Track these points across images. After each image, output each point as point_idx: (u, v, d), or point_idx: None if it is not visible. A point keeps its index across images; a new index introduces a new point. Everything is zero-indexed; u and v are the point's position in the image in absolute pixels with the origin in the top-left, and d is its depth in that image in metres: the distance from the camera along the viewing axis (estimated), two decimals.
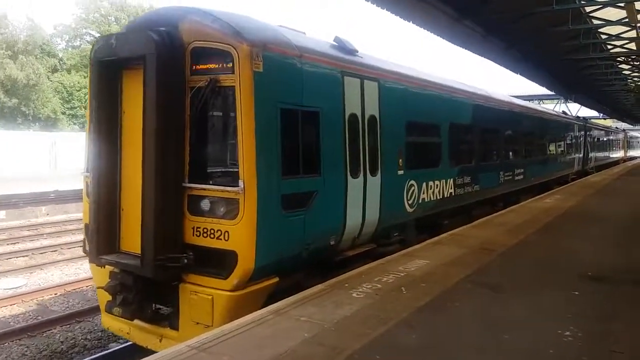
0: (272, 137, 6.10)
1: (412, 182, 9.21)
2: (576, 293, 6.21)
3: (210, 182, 6.13)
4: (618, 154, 48.12)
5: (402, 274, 6.87)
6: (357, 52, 8.27)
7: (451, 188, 10.90)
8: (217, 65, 5.96)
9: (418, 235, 9.80)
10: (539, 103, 33.24)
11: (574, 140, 25.62)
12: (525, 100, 24.42)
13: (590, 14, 18.23)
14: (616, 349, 4.56)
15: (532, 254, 8.39)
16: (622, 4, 14.77)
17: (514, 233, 10.00)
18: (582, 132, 27.98)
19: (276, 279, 6.27)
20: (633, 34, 19.18)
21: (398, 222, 9.11)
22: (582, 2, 15.94)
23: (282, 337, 4.67)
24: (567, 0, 15.54)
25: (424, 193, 9.66)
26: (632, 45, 20.99)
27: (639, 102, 22.09)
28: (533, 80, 27.25)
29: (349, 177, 7.42)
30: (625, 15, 14.95)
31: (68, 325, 9.01)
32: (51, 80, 52.49)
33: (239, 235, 5.77)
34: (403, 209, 9.06)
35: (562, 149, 23.54)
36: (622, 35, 20.99)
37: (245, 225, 5.76)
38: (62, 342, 8.41)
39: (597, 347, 4.60)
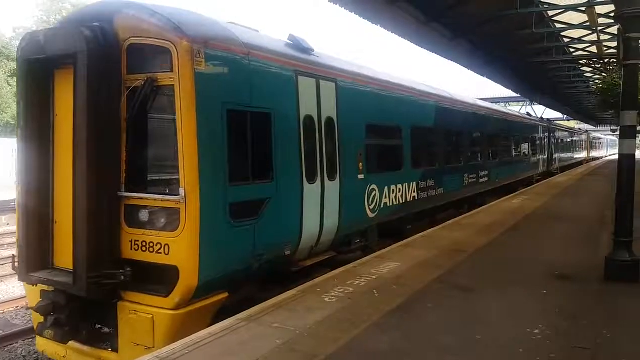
0: (217, 140, 5.67)
1: (374, 186, 8.90)
2: (544, 292, 6.31)
3: (149, 191, 5.62)
4: (581, 155, 48.56)
5: (373, 277, 6.87)
6: (313, 51, 7.89)
7: (414, 192, 10.62)
8: (155, 63, 5.52)
9: (381, 241, 9.52)
10: (505, 105, 33.73)
11: (538, 142, 25.52)
12: (492, 102, 24.49)
13: (553, 18, 18.68)
14: (582, 345, 4.64)
15: (501, 254, 8.50)
16: (583, 8, 15.17)
17: (483, 234, 10.13)
18: (546, 134, 27.96)
19: (225, 294, 5.86)
20: (594, 37, 19.73)
21: (359, 229, 8.80)
22: (545, 6, 16.34)
23: (254, 345, 4.60)
24: (531, 4, 15.91)
25: (386, 197, 9.36)
26: (594, 49, 21.56)
27: (601, 104, 22.64)
28: (499, 83, 27.73)
29: (305, 183, 7.07)
30: (587, 19, 15.34)
31: (31, 340, 8.71)
32: (11, 85, 51.00)
33: (180, 248, 5.31)
34: (364, 215, 8.73)
35: (527, 150, 23.29)
36: (584, 39, 21.57)
37: (186, 238, 5.30)
38: (24, 356, 8.14)
39: (565, 344, 4.67)
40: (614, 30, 16.17)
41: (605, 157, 70.11)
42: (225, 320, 5.26)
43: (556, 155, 31.70)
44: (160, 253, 5.37)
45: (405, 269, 7.32)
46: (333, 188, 7.72)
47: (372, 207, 8.88)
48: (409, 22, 15.26)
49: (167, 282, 5.34)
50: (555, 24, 19.32)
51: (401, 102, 10.43)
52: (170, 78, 5.42)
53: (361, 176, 8.55)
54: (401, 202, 10.02)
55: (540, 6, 16.24)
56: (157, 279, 5.41)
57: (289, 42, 7.64)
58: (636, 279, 6.68)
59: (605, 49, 19.79)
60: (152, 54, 5.54)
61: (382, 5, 13.65)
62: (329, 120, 7.74)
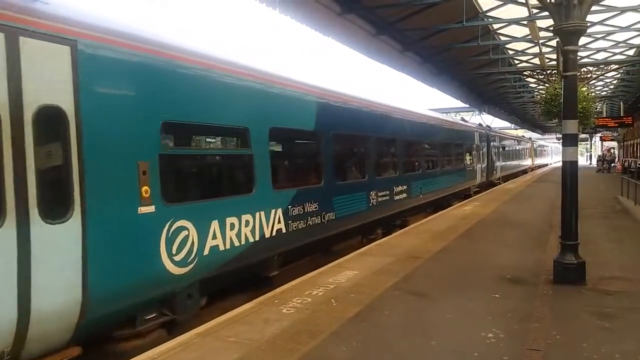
0: None
1: (184, 223, 5.67)
2: (496, 295, 6.48)
3: None
4: (526, 163, 47.14)
5: (332, 286, 6.88)
6: None
7: (279, 222, 7.46)
8: None
9: (206, 306, 6.48)
10: (455, 115, 34.27)
11: (475, 150, 22.80)
12: (443, 112, 24.18)
13: (498, 31, 19.47)
14: (534, 347, 4.78)
15: (454, 259, 8.69)
16: (525, 22, 15.85)
17: (437, 240, 10.33)
18: (485, 141, 25.42)
19: None
20: (537, 49, 20.64)
21: (151, 296, 5.44)
22: (490, 19, 16.98)
23: None
24: (476, 18, 16.52)
25: (215, 238, 6.13)
26: (537, 60, 22.54)
27: (546, 113, 23.51)
28: (448, 94, 28.56)
29: None
30: (529, 32, 16.02)
31: None
32: None
33: None
34: (161, 272, 5.39)
35: (461, 159, 20.40)
36: (527, 51, 22.56)
37: None
38: None
39: (517, 346, 4.80)
40: (554, 43, 16.93)
41: (550, 164, 70.30)
42: (182, 335, 5.15)
43: (498, 164, 29.52)
44: None
45: (363, 277, 7.37)
46: (61, 236, 4.41)
47: (180, 257, 5.62)
48: (359, 35, 15.56)
49: None
50: (500, 37, 20.14)
51: (248, 91, 7.06)
52: None
53: (148, 209, 5.23)
54: (251, 240, 6.78)
55: (485, 19, 16.88)
56: None
57: None
58: (582, 280, 6.97)
59: (547, 60, 20.72)
60: None
61: (333, 17, 13.87)
62: (49, 111, 4.41)
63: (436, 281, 7.22)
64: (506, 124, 56.00)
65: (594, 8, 11.68)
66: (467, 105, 36.94)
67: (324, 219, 8.88)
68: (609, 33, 19.39)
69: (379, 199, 11.40)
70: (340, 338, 5.01)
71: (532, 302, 6.22)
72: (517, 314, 5.72)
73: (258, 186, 7.04)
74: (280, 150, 8.55)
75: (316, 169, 9.25)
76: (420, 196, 14.42)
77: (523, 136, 52.79)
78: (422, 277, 7.46)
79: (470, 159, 21.87)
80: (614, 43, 21.16)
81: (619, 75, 28.05)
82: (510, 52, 22.87)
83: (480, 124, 28.44)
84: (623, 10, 16.22)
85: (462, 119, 24.34)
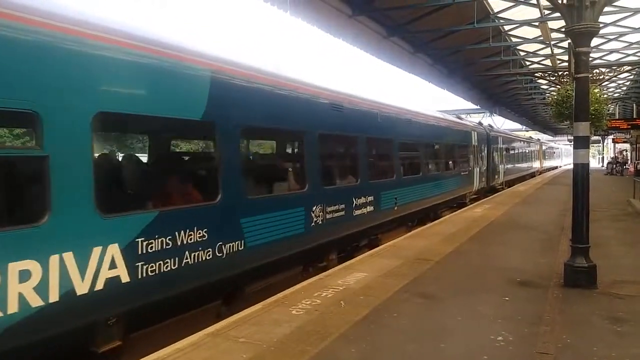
0: None
1: None
2: (506, 298, 6.46)
3: None
4: (534, 165, 44.04)
5: (341, 288, 6.89)
6: None
7: (113, 267, 4.71)
8: None
9: None
10: (466, 117, 33.87)
11: (471, 151, 20.00)
12: (453, 114, 23.03)
13: (509, 32, 19.39)
14: (544, 350, 4.76)
15: (464, 262, 8.66)
16: (536, 23, 15.78)
17: (447, 242, 10.31)
18: (485, 142, 22.82)
19: None
20: (548, 51, 20.53)
21: None
22: (501, 21, 16.92)
23: None
24: (487, 19, 16.47)
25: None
26: (548, 62, 22.42)
27: (557, 115, 23.31)
28: (459, 95, 28.50)
29: None
30: (540, 33, 15.95)
31: None
32: None
33: None
34: None
35: (452, 162, 17.37)
36: (538, 52, 22.44)
37: None
38: None
39: (528, 350, 4.78)
40: (566, 44, 16.84)
41: (561, 166, 68.13)
42: (192, 336, 5.19)
43: (500, 168, 26.59)
44: None
45: (372, 279, 7.38)
46: None
47: None
48: (370, 36, 15.60)
49: None
50: (511, 38, 20.06)
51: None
52: None
53: None
54: (42, 302, 4.07)
55: (497, 21, 16.83)
56: None
57: None
58: (593, 284, 6.92)
59: (558, 61, 20.62)
60: None
61: (344, 19, 13.91)
62: None
63: (446, 284, 7.21)
64: (517, 125, 55.73)
65: (606, 9, 11.59)
66: (478, 107, 36.81)
67: (221, 251, 5.99)
68: (622, 34, 19.25)
69: (329, 216, 8.57)
70: (350, 340, 5.02)
71: (543, 305, 6.19)
72: (527, 317, 5.70)
73: (59, 211, 4.23)
74: (124, 148, 6.91)
75: (207, 180, 6.53)
76: (395, 208, 11.63)
77: (531, 137, 50.54)
78: (432, 279, 7.45)
79: (465, 162, 19.03)
80: (626, 44, 21.00)
81: (632, 77, 27.81)
82: (522, 54, 22.79)
83: (480, 123, 25.99)
84: (636, 11, 16.08)
85: (458, 117, 21.04)
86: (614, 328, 5.40)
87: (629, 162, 46.54)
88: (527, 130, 60.55)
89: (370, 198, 10.22)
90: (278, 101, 7.47)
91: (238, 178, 6.49)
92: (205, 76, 5.99)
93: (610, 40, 20.11)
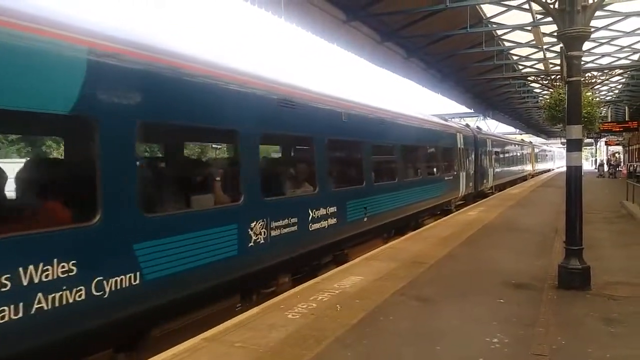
0: None
1: None
2: (501, 300, 6.49)
3: None
4: (526, 168, 42.92)
5: (337, 292, 6.91)
6: None
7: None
8: None
9: None
10: (460, 120, 33.81)
11: (457, 155, 18.64)
12: (446, 118, 22.68)
13: (502, 37, 19.53)
14: (539, 352, 4.79)
15: (459, 264, 8.70)
16: (529, 28, 15.91)
17: (442, 245, 10.34)
18: (473, 145, 21.55)
19: None
20: (541, 55, 20.69)
21: None
22: (493, 25, 17.05)
23: None
24: (479, 24, 16.59)
25: None
26: (541, 66, 22.58)
27: (550, 118, 23.43)
28: (452, 99, 28.65)
29: None
30: (533, 38, 16.07)
31: None
32: None
33: None
34: None
35: (434, 166, 16.05)
36: (531, 57, 22.61)
37: None
38: None
39: (522, 352, 4.81)
40: (558, 48, 16.97)
41: (553, 169, 67.59)
42: (188, 341, 5.18)
43: (490, 171, 25.32)
44: None
45: (368, 282, 7.40)
46: None
47: None
48: (364, 42, 15.67)
49: None
50: (504, 43, 20.20)
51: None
52: None
53: None
54: None
55: (489, 25, 16.95)
56: None
57: None
58: (587, 286, 6.97)
59: (551, 65, 20.77)
60: None
61: (338, 25, 13.97)
62: None
63: (441, 286, 7.23)
64: (511, 129, 55.99)
65: (597, 13, 11.71)
66: (472, 111, 36.99)
67: (101, 289, 4.44)
68: (613, 38, 19.42)
69: (275, 233, 7.03)
70: (346, 344, 5.04)
71: (537, 307, 6.22)
72: (522, 319, 5.73)
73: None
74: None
75: (79, 194, 4.75)
76: (365, 219, 10.16)
77: (523, 140, 49.55)
78: (428, 282, 7.48)
79: (450, 166, 17.70)
80: (618, 48, 21.18)
81: (623, 80, 28.05)
82: (515, 58, 22.95)
83: (467, 125, 24.74)
84: (627, 15, 16.24)
85: (443, 119, 19.54)
86: (607, 329, 5.44)
87: (622, 164, 46.85)
88: (521, 134, 60.79)
89: (333, 209, 8.71)
90: (198, 92, 5.89)
91: (130, 190, 4.90)
92: (77, 56, 4.45)
93: (602, 44, 20.28)
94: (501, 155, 29.81)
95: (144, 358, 4.91)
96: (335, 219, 8.78)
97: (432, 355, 4.77)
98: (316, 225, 8.21)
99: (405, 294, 6.82)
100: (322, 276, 7.96)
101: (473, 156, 21.46)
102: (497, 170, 27.72)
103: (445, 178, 16.92)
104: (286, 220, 7.34)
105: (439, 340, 5.10)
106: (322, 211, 8.39)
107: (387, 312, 6.04)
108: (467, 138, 20.64)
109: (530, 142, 52.00)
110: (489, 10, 16.04)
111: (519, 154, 38.38)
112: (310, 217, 8.04)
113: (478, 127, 26.67)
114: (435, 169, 16.03)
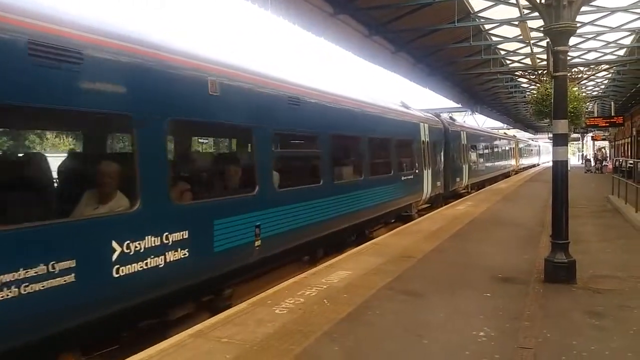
0: None
1: None
2: (488, 294, 6.52)
3: None
4: (507, 165, 39.24)
5: (324, 287, 6.89)
6: None
7: None
8: None
9: None
10: (449, 115, 33.37)
11: (421, 149, 15.67)
12: (434, 112, 21.95)
13: (490, 31, 19.58)
14: (525, 345, 4.82)
15: (447, 259, 8.73)
16: (516, 23, 15.96)
17: (430, 240, 10.37)
18: (443, 138, 18.75)
19: None
20: (528, 50, 20.77)
21: None
22: (481, 20, 17.08)
23: None
24: (467, 19, 16.61)
25: None
26: (528, 61, 22.68)
27: (537, 113, 23.51)
28: (441, 94, 28.67)
29: None
30: (520, 32, 16.13)
31: None
32: None
33: None
34: None
35: (387, 163, 12.84)
36: (519, 51, 22.69)
37: None
38: None
39: (508, 344, 4.84)
40: (545, 43, 17.05)
41: (539, 164, 66.32)
42: (174, 337, 5.15)
43: (465, 168, 22.25)
44: None
45: (356, 277, 7.40)
46: None
47: None
48: (352, 35, 15.61)
49: None
50: (492, 37, 20.25)
51: None
52: None
53: None
54: None
55: (477, 20, 16.98)
56: None
57: None
58: (573, 279, 7.02)
59: (538, 60, 20.85)
60: None
61: (326, 18, 13.90)
62: None
63: (429, 280, 7.25)
64: (499, 124, 56.27)
65: (584, 9, 11.78)
66: (460, 106, 37.10)
67: None
68: (599, 33, 19.55)
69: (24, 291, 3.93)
70: (333, 338, 5.03)
71: (523, 300, 6.26)
72: (508, 313, 5.76)
73: None
74: None
75: None
76: (258, 245, 7.00)
77: (505, 133, 46.31)
78: (415, 276, 7.50)
79: (409, 163, 14.47)
80: (604, 43, 21.33)
81: (609, 76, 28.27)
82: (502, 53, 23.01)
83: (436, 114, 20.77)
84: (613, 11, 16.36)
85: (403, 104, 15.89)
86: (593, 322, 5.49)
87: (608, 159, 47.34)
88: (509, 128, 61.05)
89: (178, 235, 5.53)
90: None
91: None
92: None
93: (588, 39, 20.40)
94: (479, 150, 26.99)
95: (129, 354, 4.81)
96: (185, 251, 5.62)
97: (419, 349, 4.78)
98: (128, 267, 4.90)
99: (393, 288, 6.83)
100: (310, 271, 7.94)
101: (443, 151, 18.62)
102: (474, 166, 24.88)
103: (403, 177, 13.77)
104: (43, 267, 4.09)
105: (426, 334, 5.11)
106: (150, 241, 5.17)
107: (375, 306, 6.04)
108: (435, 130, 17.67)
109: (514, 136, 48.80)
110: (476, 4, 16.05)
111: (500, 149, 35.65)
112: (118, 253, 4.79)
113: (451, 118, 23.65)
114: (386, 167, 12.68)
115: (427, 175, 16.04)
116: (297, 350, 4.71)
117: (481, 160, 27.43)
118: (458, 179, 20.94)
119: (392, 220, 14.18)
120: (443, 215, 14.52)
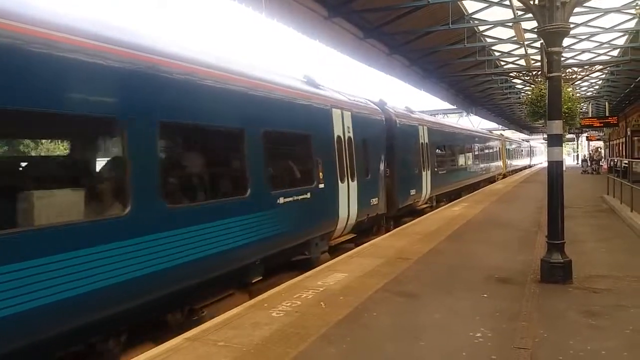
0: None
1: None
2: (485, 295, 6.52)
3: None
4: (492, 168, 32.82)
5: (321, 289, 6.89)
6: None
7: None
8: None
9: None
10: (444, 116, 33.13)
11: (336, 150, 10.06)
12: (430, 114, 21.04)
13: (484, 33, 19.63)
14: (522, 345, 4.82)
15: (443, 260, 8.73)
16: (510, 24, 16.01)
17: (426, 241, 10.38)
18: (384, 133, 13.27)
19: None
20: (522, 51, 20.84)
21: None
22: (475, 22, 17.13)
23: None
24: (461, 20, 16.66)
25: None
26: (522, 62, 22.74)
27: (532, 114, 23.51)
28: (435, 96, 28.67)
29: None
30: (514, 34, 16.18)
31: None
32: None
33: None
34: None
35: (241, 176, 7.15)
36: (513, 53, 22.76)
37: None
38: None
39: (505, 345, 4.83)
40: (539, 44, 17.11)
41: (530, 165, 61.69)
42: (170, 341, 5.13)
43: (425, 176, 16.55)
44: None
45: (352, 279, 7.39)
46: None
47: None
48: (346, 38, 15.62)
49: None
50: (486, 39, 20.31)
51: None
52: None
53: None
54: None
55: (471, 22, 17.02)
56: None
57: None
58: (569, 279, 7.04)
59: (532, 61, 20.91)
60: None
61: (320, 21, 13.91)
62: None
63: (425, 282, 7.25)
64: (494, 125, 56.36)
65: (577, 10, 11.82)
66: (455, 107, 37.13)
67: None
68: (593, 34, 19.62)
69: None
70: (330, 340, 5.02)
71: (520, 301, 6.26)
72: (505, 314, 5.76)
73: None
74: None
75: None
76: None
77: (491, 131, 40.97)
78: (412, 278, 7.49)
79: (309, 173, 9.14)
80: (598, 44, 21.42)
81: (603, 76, 28.39)
82: (497, 54, 23.07)
83: (373, 102, 13.94)
84: (606, 12, 16.42)
85: (309, 81, 10.29)
86: (589, 322, 5.50)
87: (603, 159, 47.48)
88: (504, 129, 61.08)
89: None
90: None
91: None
92: None
93: (581, 40, 20.47)
94: (449, 152, 21.19)
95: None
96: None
97: (416, 351, 4.77)
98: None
99: (389, 290, 6.83)
100: (306, 274, 7.93)
101: (384, 152, 13.08)
102: (442, 173, 19.13)
103: (296, 198, 8.43)
104: None
105: (423, 336, 5.10)
106: None
107: (371, 308, 6.03)
108: (367, 122, 12.16)
109: (501, 135, 42.22)
110: (470, 6, 16.10)
111: (483, 150, 29.64)
112: None
113: (407, 108, 17.21)
114: (230, 182, 7.44)
115: (350, 190, 10.59)
116: (293, 353, 4.69)
117: (453, 164, 21.73)
118: (413, 191, 15.39)
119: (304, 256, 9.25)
120: (439, 217, 14.53)
